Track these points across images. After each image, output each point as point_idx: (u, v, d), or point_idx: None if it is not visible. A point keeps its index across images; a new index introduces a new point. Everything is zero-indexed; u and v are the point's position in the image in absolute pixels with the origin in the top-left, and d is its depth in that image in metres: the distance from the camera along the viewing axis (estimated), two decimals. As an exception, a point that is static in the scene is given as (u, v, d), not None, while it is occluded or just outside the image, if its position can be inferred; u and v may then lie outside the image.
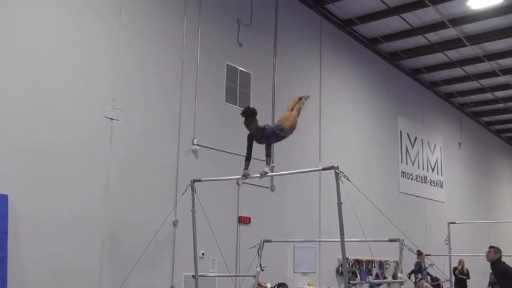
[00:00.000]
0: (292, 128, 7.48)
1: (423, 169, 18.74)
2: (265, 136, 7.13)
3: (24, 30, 7.60)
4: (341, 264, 12.68)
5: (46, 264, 7.46)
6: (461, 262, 16.41)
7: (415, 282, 14.59)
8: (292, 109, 7.69)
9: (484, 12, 13.90)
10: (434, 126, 19.88)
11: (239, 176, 7.53)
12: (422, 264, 14.53)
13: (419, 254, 13.97)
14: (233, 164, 10.55)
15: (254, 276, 8.99)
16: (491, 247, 9.69)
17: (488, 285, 19.36)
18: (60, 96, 7.96)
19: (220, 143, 10.54)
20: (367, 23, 14.72)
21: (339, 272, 13.40)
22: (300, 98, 7.87)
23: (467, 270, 16.28)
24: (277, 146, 11.95)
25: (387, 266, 15.31)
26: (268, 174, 7.34)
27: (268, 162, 7.10)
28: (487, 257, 9.62)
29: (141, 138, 9.13)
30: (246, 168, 7.29)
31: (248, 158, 7.29)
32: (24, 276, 7.21)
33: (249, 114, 7.05)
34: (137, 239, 8.59)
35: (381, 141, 16.34)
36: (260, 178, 7.41)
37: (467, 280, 16.19)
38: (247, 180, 8.93)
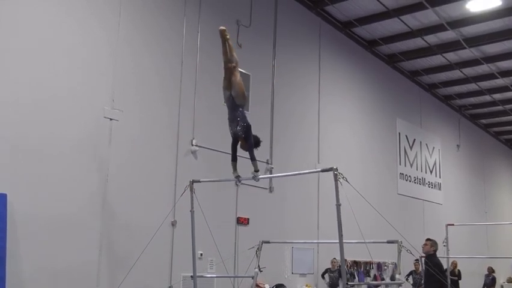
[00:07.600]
0: (243, 94, 7.23)
1: (421, 171, 18.75)
2: (245, 135, 6.98)
3: (23, 29, 7.62)
4: (339, 266, 12.67)
5: (45, 264, 7.47)
6: (453, 263, 16.44)
7: (413, 284, 14.61)
8: (229, 68, 7.32)
9: (482, 14, 13.93)
10: (432, 128, 19.91)
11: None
12: None
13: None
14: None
15: (252, 277, 8.98)
16: (427, 239, 9.61)
17: (483, 286, 19.41)
18: (60, 96, 7.98)
19: (219, 144, 10.53)
20: (366, 25, 14.75)
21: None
22: (223, 36, 7.50)
23: (458, 271, 16.32)
24: (276, 147, 12.00)
25: (386, 267, 15.34)
26: (260, 176, 7.34)
27: (255, 167, 7.07)
28: (422, 249, 9.58)
29: (140, 139, 9.14)
30: (235, 170, 7.31)
31: (234, 159, 7.25)
32: (23, 275, 7.22)
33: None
34: (135, 239, 8.59)
35: (379, 143, 16.36)
36: (256, 181, 7.44)
37: (459, 281, 16.25)
38: (245, 181, 8.94)
